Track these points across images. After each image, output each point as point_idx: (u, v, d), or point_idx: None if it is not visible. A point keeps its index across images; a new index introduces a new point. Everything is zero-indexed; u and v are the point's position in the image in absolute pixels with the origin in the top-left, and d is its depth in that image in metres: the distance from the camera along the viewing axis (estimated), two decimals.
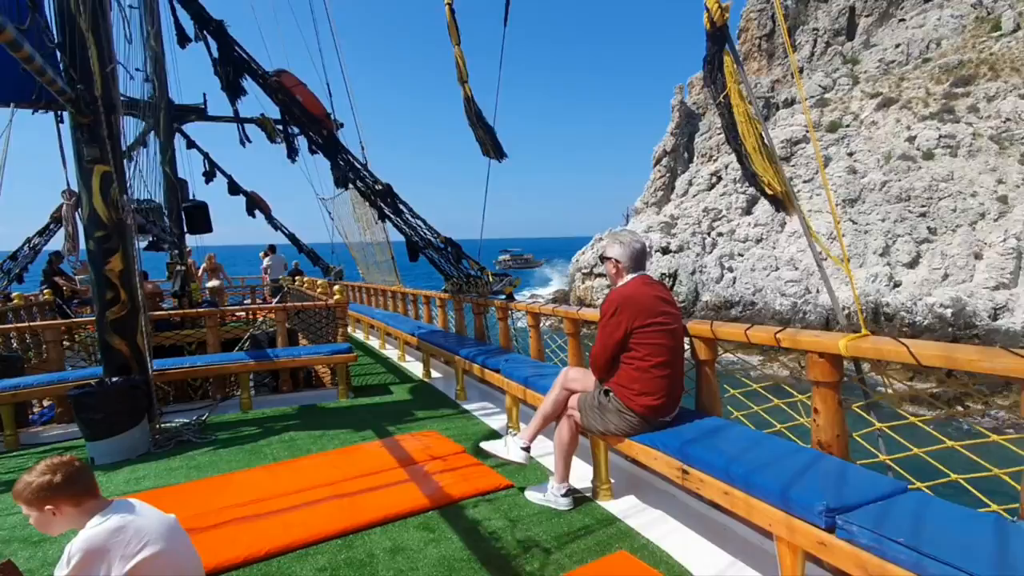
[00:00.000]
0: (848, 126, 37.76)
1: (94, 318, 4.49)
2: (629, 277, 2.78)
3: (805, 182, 35.86)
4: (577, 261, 37.76)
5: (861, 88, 40.41)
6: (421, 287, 8.99)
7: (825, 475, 1.95)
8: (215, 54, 4.72)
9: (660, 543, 2.47)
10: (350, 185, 5.60)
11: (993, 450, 2.00)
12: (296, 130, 5.79)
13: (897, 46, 42.38)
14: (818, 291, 30.12)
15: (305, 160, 7.38)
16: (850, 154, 35.55)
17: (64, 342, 7.18)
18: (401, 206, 5.60)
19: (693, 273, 33.69)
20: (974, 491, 2.02)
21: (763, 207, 34.71)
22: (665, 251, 34.72)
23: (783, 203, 2.35)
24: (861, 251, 30.86)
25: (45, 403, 6.56)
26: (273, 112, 7.27)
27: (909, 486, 1.94)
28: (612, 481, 3.00)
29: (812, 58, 45.93)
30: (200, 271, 13.08)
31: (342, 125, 10.24)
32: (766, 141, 2.29)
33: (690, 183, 41.59)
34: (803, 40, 46.51)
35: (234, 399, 5.46)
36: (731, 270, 33.60)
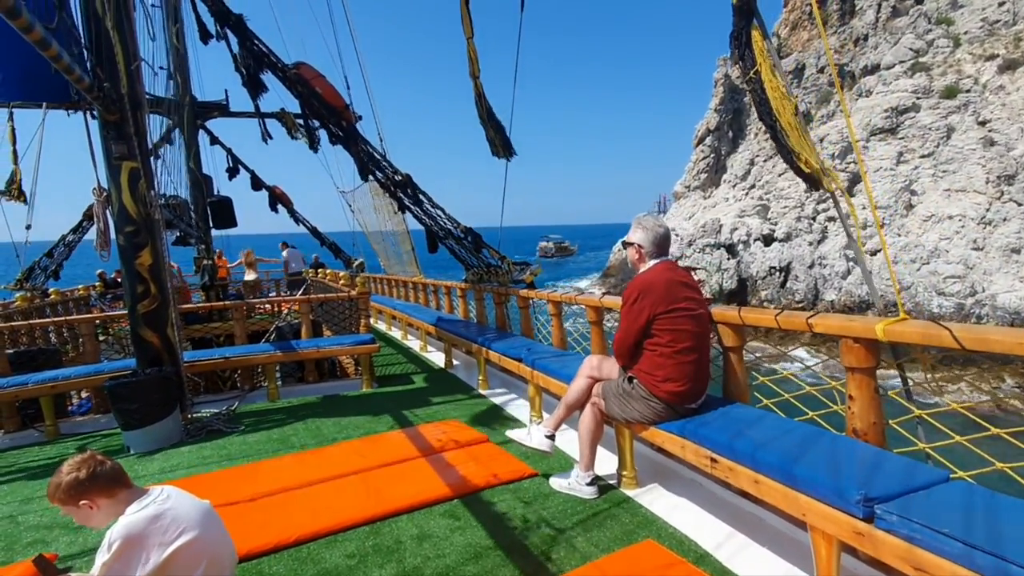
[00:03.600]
0: (969, 91, 31.63)
1: (126, 312, 4.61)
2: (652, 263, 2.73)
3: (922, 157, 30.10)
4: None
5: (968, 51, 34.70)
6: (441, 278, 9.01)
7: (862, 463, 1.89)
8: (235, 49, 4.76)
9: (688, 532, 2.44)
10: (370, 177, 5.62)
11: None
12: (316, 123, 5.84)
13: (1001, 3, 35.81)
14: (983, 289, 24.41)
15: (325, 153, 7.44)
16: (982, 123, 29.59)
17: (100, 336, 7.42)
18: (421, 196, 5.60)
19: (811, 267, 28.55)
20: (1022, 481, 1.94)
21: (872, 187, 30.01)
22: (768, 240, 29.73)
23: (817, 181, 2.26)
24: None
25: (84, 394, 6.79)
26: (293, 106, 7.33)
27: (951, 475, 1.86)
28: (637, 470, 2.97)
29: (877, 24, 39.60)
30: (236, 264, 13.35)
31: (360, 118, 10.30)
32: (799, 117, 2.19)
33: (751, 163, 37.33)
34: (866, 4, 40.07)
35: (262, 389, 5.57)
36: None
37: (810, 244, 29.87)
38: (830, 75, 38.18)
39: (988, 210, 27.04)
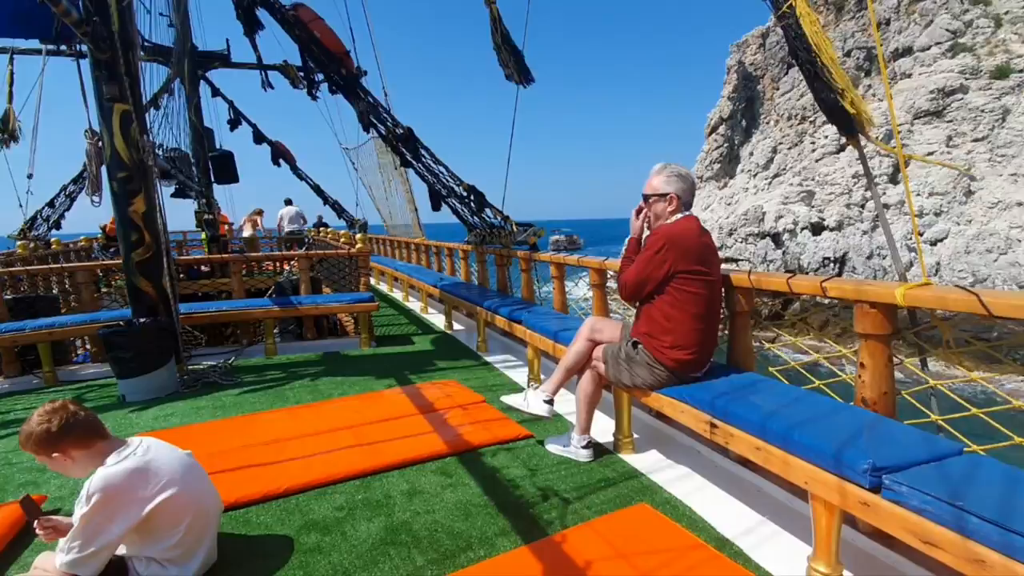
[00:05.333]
0: (1022, 70, 29.68)
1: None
2: (679, 215, 2.55)
3: (975, 141, 27.77)
4: None
5: (1013, 31, 32.47)
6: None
7: (870, 433, 1.80)
8: None
9: (683, 498, 2.38)
10: (371, 131, 5.43)
11: None
12: (320, 75, 5.61)
13: None
14: None
15: (328, 106, 7.21)
16: None
17: (103, 287, 7.39)
18: (422, 151, 5.42)
19: (870, 257, 26.48)
20: None
21: (924, 173, 28.21)
22: (817, 228, 27.43)
23: (861, 124, 2.07)
24: None
25: (89, 345, 6.80)
26: (295, 58, 7.08)
27: (965, 448, 1.77)
28: (634, 435, 2.91)
29: (900, 9, 39.95)
30: (243, 221, 13.20)
31: (365, 73, 9.99)
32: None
33: (774, 150, 35.56)
34: None
35: (260, 345, 5.53)
36: (926, 254, 25.67)
37: (864, 233, 27.82)
38: (857, 59, 36.26)
39: None
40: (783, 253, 28.31)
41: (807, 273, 26.08)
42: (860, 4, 38.77)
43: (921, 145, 29.73)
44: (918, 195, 28.23)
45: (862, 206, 29.05)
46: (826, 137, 32.83)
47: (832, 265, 26.51)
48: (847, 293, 2.08)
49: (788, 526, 2.15)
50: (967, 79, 30.56)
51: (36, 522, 1.79)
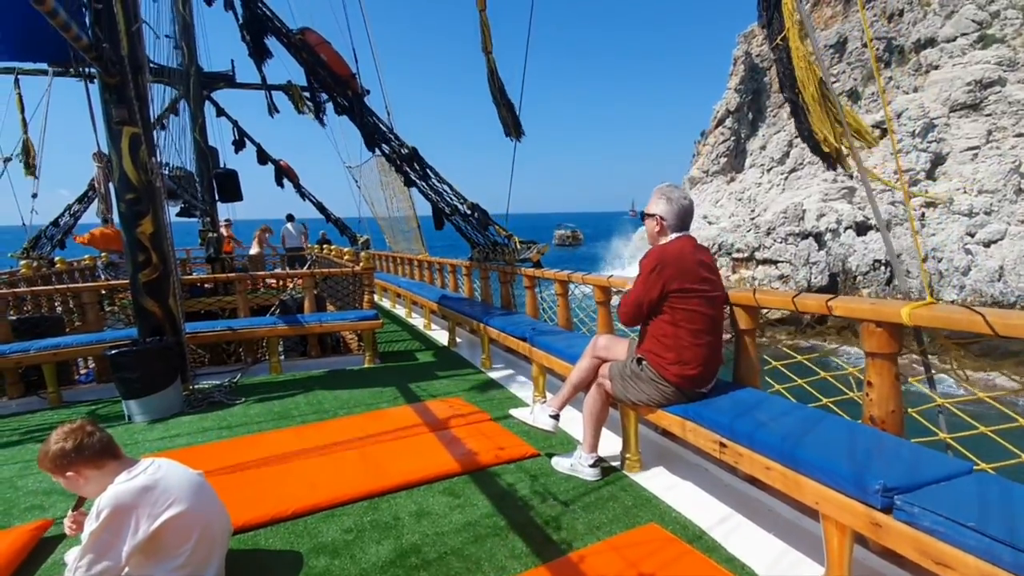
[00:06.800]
0: None
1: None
2: (672, 236, 2.60)
3: (1018, 136, 26.70)
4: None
5: None
6: (447, 257, 8.92)
7: (880, 452, 1.81)
8: (239, 11, 4.62)
9: (692, 517, 2.38)
10: (376, 151, 5.49)
11: None
12: (323, 96, 5.69)
13: None
14: None
15: (332, 128, 7.31)
16: None
17: (107, 306, 7.41)
18: (427, 171, 5.48)
19: (925, 260, 25.98)
20: None
21: (971, 169, 26.84)
22: (862, 228, 25.36)
23: (835, 161, 2.13)
24: None
25: (92, 365, 6.80)
26: (300, 79, 7.18)
27: (974, 467, 1.78)
28: (641, 452, 2.91)
29: (912, 0, 35.99)
30: (255, 238, 13.25)
31: (368, 92, 10.13)
32: (827, 88, 2.06)
33: (790, 144, 33.74)
34: None
35: (264, 363, 5.54)
36: (982, 256, 23.45)
37: (916, 234, 26.61)
38: (877, 49, 35.63)
39: None
40: (826, 254, 25.94)
41: (854, 277, 24.68)
42: None
43: (960, 140, 28.53)
44: (965, 193, 26.44)
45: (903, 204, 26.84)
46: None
47: (883, 268, 24.42)
48: (853, 312, 2.10)
49: (799, 545, 2.15)
50: (1005, 71, 29.26)
51: (69, 513, 1.94)
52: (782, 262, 26.81)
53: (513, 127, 4.93)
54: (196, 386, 4.70)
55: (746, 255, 26.87)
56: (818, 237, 26.40)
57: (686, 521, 2.36)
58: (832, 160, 2.15)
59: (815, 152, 2.15)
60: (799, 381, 2.68)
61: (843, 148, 2.11)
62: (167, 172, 6.99)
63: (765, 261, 26.56)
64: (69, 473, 1.76)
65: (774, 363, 2.77)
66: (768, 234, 27.73)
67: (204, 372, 5.37)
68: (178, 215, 7.90)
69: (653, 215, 2.62)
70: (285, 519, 2.46)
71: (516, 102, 4.90)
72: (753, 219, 29.89)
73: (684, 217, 2.60)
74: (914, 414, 2.12)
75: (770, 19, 2.11)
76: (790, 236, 27.09)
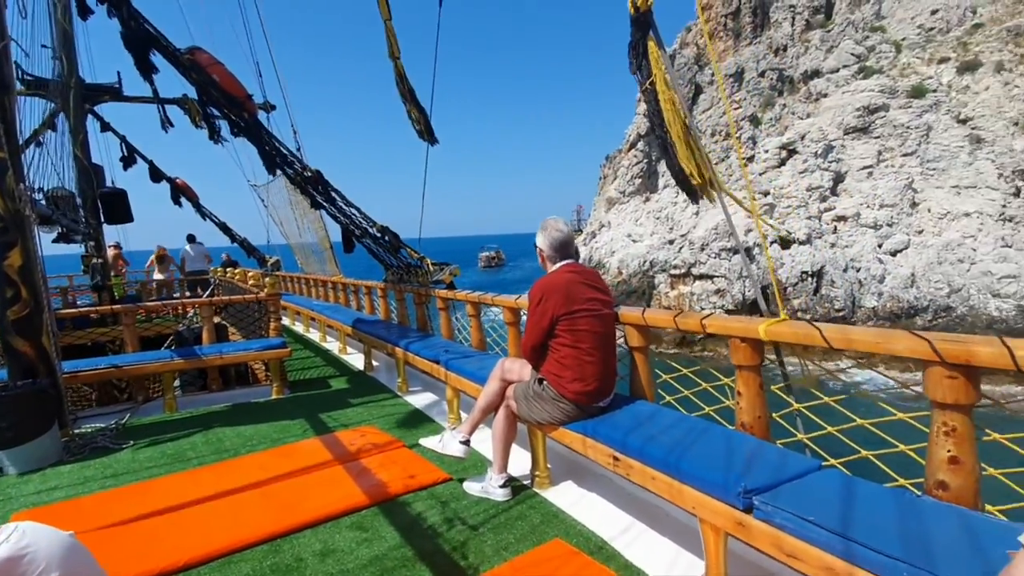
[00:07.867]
0: (936, 90, 32.45)
1: None
2: (556, 266, 2.78)
3: (905, 156, 30.03)
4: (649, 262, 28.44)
5: (914, 55, 35.98)
6: (363, 278, 8.74)
7: (745, 456, 2.01)
8: (120, 27, 4.32)
9: (595, 528, 2.50)
10: (277, 172, 5.31)
11: (899, 427, 2.12)
12: (217, 112, 5.43)
13: (934, 12, 37.37)
14: None
15: (234, 146, 6.97)
16: (962, 121, 29.90)
17: None
18: (333, 194, 5.36)
19: (846, 270, 26.40)
20: (883, 467, 2.14)
21: (870, 185, 29.29)
22: (785, 243, 26.68)
23: (698, 194, 2.38)
24: None
25: None
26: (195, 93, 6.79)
27: (823, 463, 2.02)
28: (550, 468, 3.01)
29: (793, 36, 41.25)
30: (148, 263, 12.24)
31: (274, 107, 9.76)
32: (691, 129, 2.30)
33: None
34: (781, 17, 42.06)
35: (158, 400, 5.13)
36: (892, 264, 25.57)
37: (832, 246, 27.94)
38: (771, 79, 39.42)
39: (1005, 207, 26.19)
40: (756, 267, 27.42)
41: (785, 288, 26.29)
42: (755, 31, 42.46)
43: (855, 159, 31.93)
44: (869, 208, 29.21)
45: (819, 218, 29.76)
46: (766, 151, 33.53)
47: (810, 279, 26.21)
48: (721, 329, 2.33)
49: (688, 545, 2.32)
50: (887, 98, 33.23)
51: None
52: (718, 276, 28.32)
53: (426, 131, 4.95)
54: (77, 431, 4.28)
55: (683, 271, 28.15)
56: (748, 252, 27.94)
57: (589, 533, 2.47)
58: (697, 193, 2.39)
59: (680, 185, 2.38)
60: (686, 392, 2.90)
61: (703, 181, 2.35)
62: (42, 195, 6.35)
63: (702, 276, 27.90)
64: None
65: (664, 376, 2.99)
66: (702, 249, 29.29)
67: (89, 414, 4.89)
68: (55, 241, 7.16)
69: (537, 247, 2.80)
70: (174, 572, 2.31)
71: (428, 108, 4.92)
72: (685, 235, 31.31)
73: (561, 247, 2.78)
74: (777, 418, 2.38)
75: (639, 66, 2.33)
76: (723, 251, 28.70)
